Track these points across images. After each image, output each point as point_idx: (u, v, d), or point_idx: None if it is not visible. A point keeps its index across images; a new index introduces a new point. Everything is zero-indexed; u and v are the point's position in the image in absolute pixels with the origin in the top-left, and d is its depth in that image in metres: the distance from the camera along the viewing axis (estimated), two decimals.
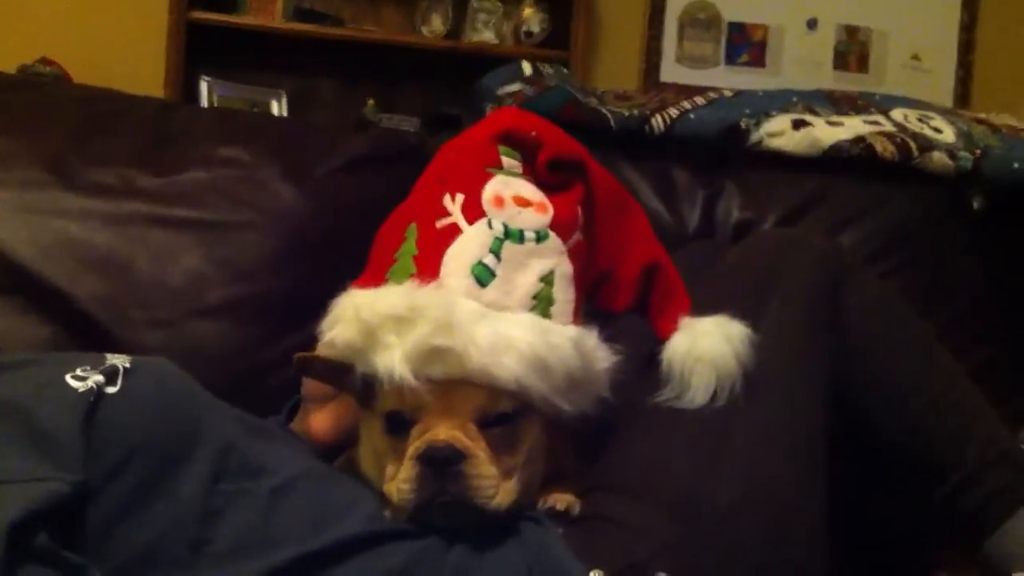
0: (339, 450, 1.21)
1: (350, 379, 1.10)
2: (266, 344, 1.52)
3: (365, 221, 1.59)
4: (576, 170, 1.23)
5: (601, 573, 1.04)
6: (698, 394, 1.15)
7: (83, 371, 1.05)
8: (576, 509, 1.12)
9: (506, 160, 1.20)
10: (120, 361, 1.08)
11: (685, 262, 1.32)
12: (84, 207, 1.53)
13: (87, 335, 1.45)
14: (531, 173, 1.20)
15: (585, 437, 1.16)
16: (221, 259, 1.55)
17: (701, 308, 1.21)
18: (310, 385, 1.25)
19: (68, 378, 1.03)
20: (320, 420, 1.23)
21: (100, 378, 1.04)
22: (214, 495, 1.02)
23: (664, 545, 1.07)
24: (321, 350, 1.14)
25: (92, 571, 0.93)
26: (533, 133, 1.21)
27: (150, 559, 0.98)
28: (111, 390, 1.04)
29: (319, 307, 1.18)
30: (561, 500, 1.11)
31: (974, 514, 1.17)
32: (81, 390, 1.02)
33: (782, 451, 1.13)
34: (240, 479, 1.04)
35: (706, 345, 1.15)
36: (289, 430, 1.27)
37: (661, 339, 1.21)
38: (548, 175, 1.20)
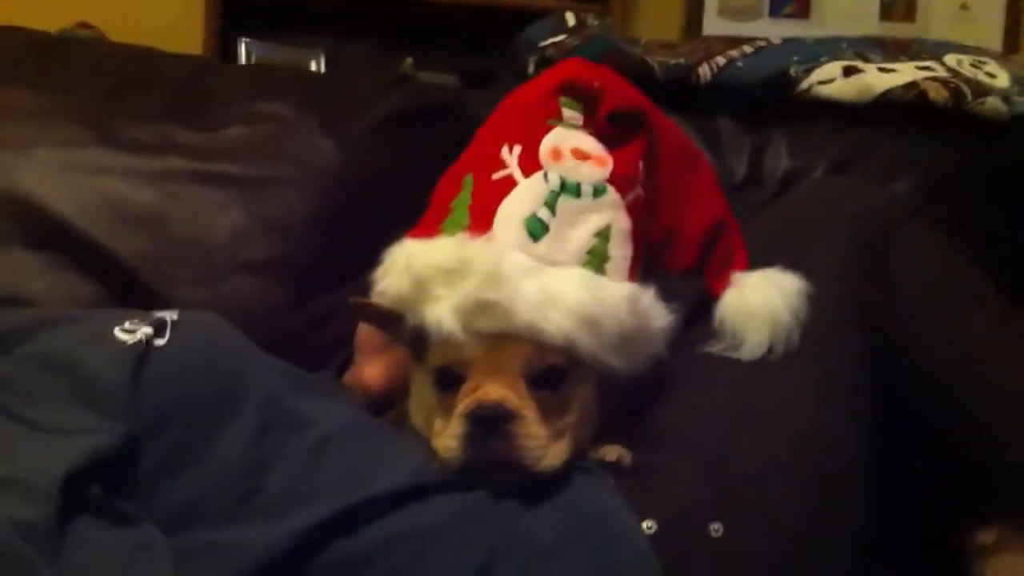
0: (391, 402, 1.20)
1: (402, 329, 1.10)
2: (306, 301, 1.52)
3: (404, 176, 1.60)
4: (639, 124, 1.20)
5: (654, 523, 1.03)
6: (752, 349, 1.13)
7: (131, 324, 1.06)
8: (627, 460, 1.10)
9: (567, 112, 1.18)
10: (168, 315, 1.09)
11: (738, 209, 1.30)
12: (124, 164, 1.53)
13: (128, 291, 1.46)
14: (592, 125, 1.18)
15: (632, 389, 1.14)
16: (261, 215, 1.55)
17: (757, 255, 1.20)
18: (363, 335, 1.24)
19: (117, 331, 1.05)
20: (372, 371, 1.22)
21: (149, 330, 1.05)
22: (261, 447, 1.02)
23: (711, 498, 1.06)
24: (374, 298, 1.13)
25: (145, 523, 0.93)
26: (596, 84, 1.19)
27: (199, 510, 0.98)
28: (159, 342, 1.05)
29: (359, 263, 1.18)
30: (612, 451, 1.10)
31: (1019, 470, 1.13)
32: (130, 342, 1.03)
33: (822, 407, 1.12)
34: (286, 432, 1.04)
35: (758, 299, 1.14)
36: (339, 383, 1.27)
37: (713, 298, 1.19)
38: (609, 128, 1.18)
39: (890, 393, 1.15)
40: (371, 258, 1.14)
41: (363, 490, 1.00)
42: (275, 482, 1.00)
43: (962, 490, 1.19)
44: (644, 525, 1.02)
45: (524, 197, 1.11)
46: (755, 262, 1.19)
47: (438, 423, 1.06)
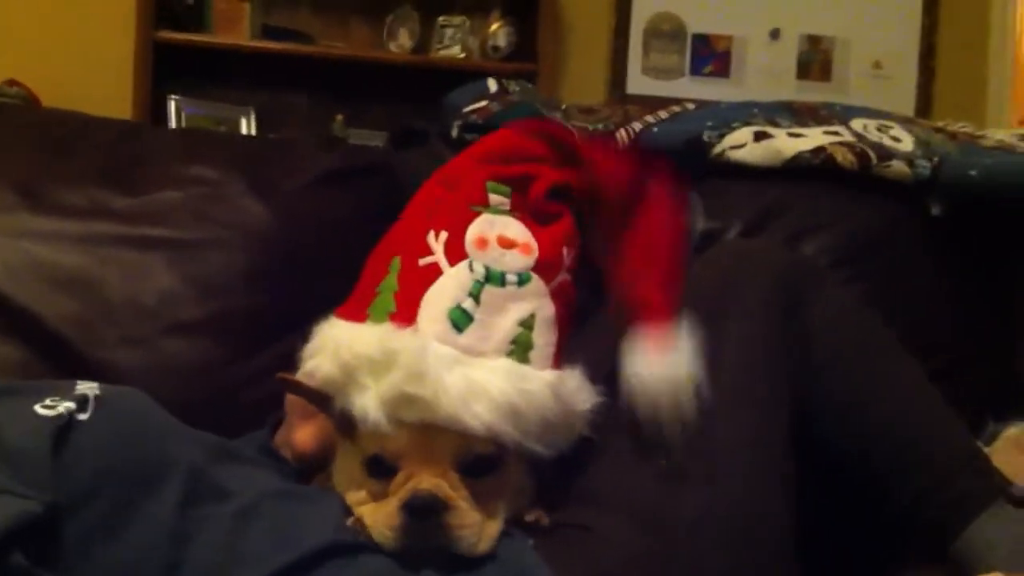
0: (321, 464, 1.21)
1: (330, 407, 1.12)
2: (239, 360, 1.53)
3: (334, 236, 1.62)
4: (567, 200, 1.23)
5: None
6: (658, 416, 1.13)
7: (52, 401, 1.06)
8: (545, 520, 1.13)
9: (494, 197, 1.20)
10: (90, 389, 1.09)
11: None
12: (53, 228, 1.54)
13: (59, 356, 1.46)
14: (520, 208, 1.20)
15: (560, 457, 1.16)
16: (192, 277, 1.56)
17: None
18: (293, 400, 1.25)
19: (37, 407, 1.05)
20: (303, 435, 1.24)
21: (71, 404, 1.05)
22: (184, 519, 1.02)
23: (633, 556, 1.08)
24: (302, 376, 1.15)
25: None
26: (524, 168, 1.21)
27: None
28: (82, 417, 1.05)
29: (291, 322, 1.20)
30: (530, 513, 1.13)
31: (939, 520, 1.16)
32: (50, 415, 1.03)
33: (747, 466, 1.14)
34: (208, 503, 1.05)
35: (657, 369, 1.13)
36: (269, 446, 1.28)
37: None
38: (542, 203, 1.21)
39: (813, 447, 1.18)
40: (303, 314, 1.17)
41: (289, 552, 1.01)
42: (198, 552, 1.01)
43: (886, 542, 1.22)
44: None
45: (449, 287, 1.12)
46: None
47: (369, 508, 1.08)
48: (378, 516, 1.06)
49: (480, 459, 1.08)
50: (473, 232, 1.16)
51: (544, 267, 1.17)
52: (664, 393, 1.13)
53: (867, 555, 1.25)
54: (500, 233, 1.17)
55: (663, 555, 1.08)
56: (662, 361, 1.14)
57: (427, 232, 1.17)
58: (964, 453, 1.21)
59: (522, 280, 1.15)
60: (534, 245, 1.17)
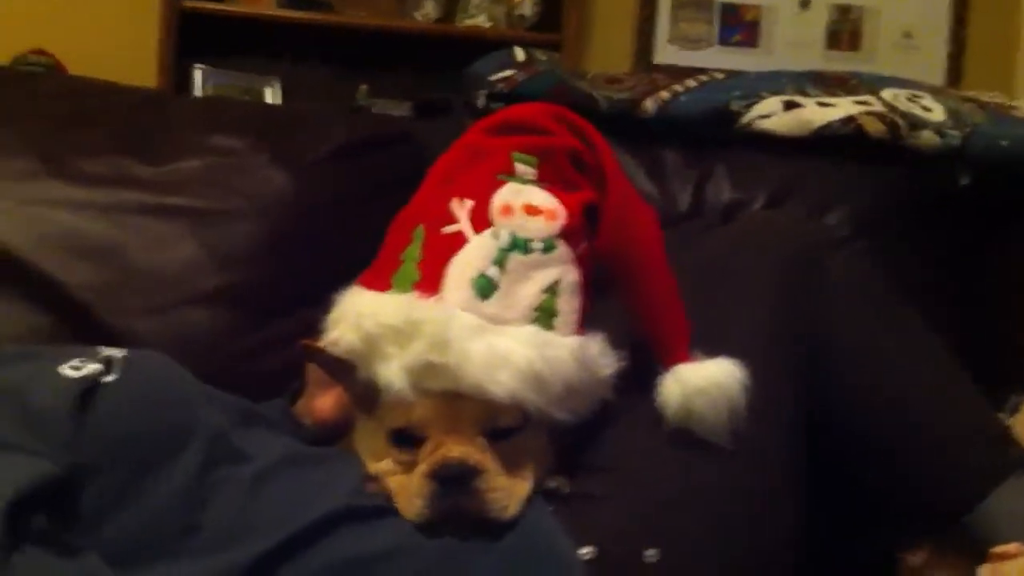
0: (342, 431, 1.21)
1: (352, 378, 1.12)
2: (259, 330, 1.54)
3: (356, 207, 1.62)
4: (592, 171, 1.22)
5: (592, 550, 1.06)
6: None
7: (80, 362, 1.07)
8: (567, 487, 1.13)
9: (520, 167, 1.19)
10: (116, 353, 1.10)
11: (676, 241, 1.32)
12: (77, 197, 1.54)
13: (81, 324, 1.46)
14: (546, 178, 1.19)
15: (580, 424, 1.16)
16: (214, 247, 1.56)
17: (685, 299, 1.20)
18: (314, 369, 1.25)
19: (62, 368, 1.05)
20: (324, 402, 1.24)
21: (97, 367, 1.06)
22: (203, 483, 1.03)
23: (649, 525, 1.08)
24: (325, 346, 1.14)
25: (90, 555, 0.94)
26: (549, 143, 1.21)
27: (142, 546, 0.99)
28: (108, 379, 1.06)
29: (311, 294, 1.20)
30: (552, 479, 1.13)
31: (958, 492, 1.16)
32: (75, 377, 1.04)
33: (758, 437, 1.14)
34: (227, 466, 1.06)
35: (701, 405, 1.12)
36: (289, 412, 1.28)
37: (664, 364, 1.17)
38: (570, 172, 1.20)
39: (823, 419, 1.18)
40: (323, 286, 1.16)
41: (302, 518, 1.02)
42: (215, 517, 1.02)
43: (894, 514, 1.22)
44: (581, 552, 1.05)
45: (474, 255, 1.12)
46: (686, 298, 1.19)
47: (397, 479, 1.08)
48: (406, 486, 1.06)
49: (506, 427, 1.08)
50: (499, 200, 1.15)
51: (569, 234, 1.16)
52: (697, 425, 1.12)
53: (880, 527, 1.25)
54: (526, 201, 1.16)
55: (678, 526, 1.09)
56: (696, 402, 1.12)
57: (451, 200, 1.16)
58: (983, 425, 1.21)
59: (547, 247, 1.14)
60: (560, 212, 1.16)
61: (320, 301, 1.17)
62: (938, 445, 1.18)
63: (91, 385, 1.03)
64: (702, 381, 1.12)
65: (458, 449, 1.05)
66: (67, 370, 1.04)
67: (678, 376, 1.14)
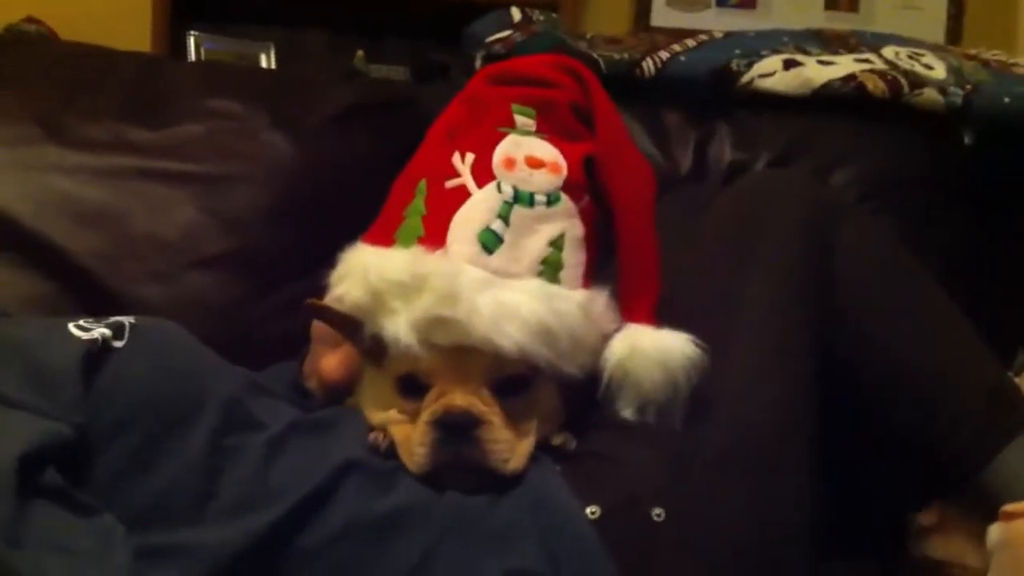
0: (348, 392, 1.21)
1: (359, 334, 1.11)
2: (262, 295, 1.54)
3: (357, 171, 1.62)
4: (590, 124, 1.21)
5: (598, 508, 1.05)
6: (622, 406, 1.12)
7: (87, 323, 1.06)
8: (572, 444, 1.13)
9: (519, 119, 1.18)
10: (126, 319, 1.09)
11: (678, 204, 1.32)
12: (77, 162, 1.54)
13: (84, 290, 1.46)
14: (546, 130, 1.19)
15: (588, 381, 1.15)
16: (215, 211, 1.56)
17: (689, 260, 1.20)
18: (319, 328, 1.25)
19: (71, 326, 1.04)
20: (330, 362, 1.23)
21: (106, 331, 1.05)
22: (218, 451, 1.03)
23: (657, 485, 1.08)
24: (330, 302, 1.14)
25: (105, 515, 0.94)
26: (549, 94, 1.19)
27: (157, 513, 0.99)
28: (118, 344, 1.05)
29: (313, 257, 1.20)
30: (557, 436, 1.13)
31: (967, 451, 1.15)
32: (84, 338, 1.03)
33: (772, 400, 1.13)
34: (242, 432, 1.05)
35: (639, 368, 1.11)
36: (295, 382, 1.28)
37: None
38: (571, 123, 1.19)
39: (837, 382, 1.16)
40: (326, 249, 1.15)
41: (312, 480, 1.02)
42: (230, 484, 1.01)
43: (906, 476, 1.21)
44: (588, 510, 1.05)
45: (478, 209, 1.11)
46: (703, 260, 1.20)
47: (401, 428, 1.08)
48: (409, 434, 1.06)
49: (512, 379, 1.08)
50: (500, 153, 1.15)
51: (572, 187, 1.15)
52: (630, 390, 1.11)
53: (891, 489, 1.25)
54: (528, 153, 1.15)
55: (687, 486, 1.08)
56: (635, 360, 1.10)
57: (452, 154, 1.16)
58: (993, 384, 1.20)
59: (551, 200, 1.14)
60: (562, 164, 1.16)
61: (324, 264, 1.16)
62: (949, 404, 1.17)
63: (99, 349, 1.03)
64: (649, 345, 1.10)
65: (462, 398, 1.05)
66: (75, 329, 1.03)
67: (628, 333, 1.12)
